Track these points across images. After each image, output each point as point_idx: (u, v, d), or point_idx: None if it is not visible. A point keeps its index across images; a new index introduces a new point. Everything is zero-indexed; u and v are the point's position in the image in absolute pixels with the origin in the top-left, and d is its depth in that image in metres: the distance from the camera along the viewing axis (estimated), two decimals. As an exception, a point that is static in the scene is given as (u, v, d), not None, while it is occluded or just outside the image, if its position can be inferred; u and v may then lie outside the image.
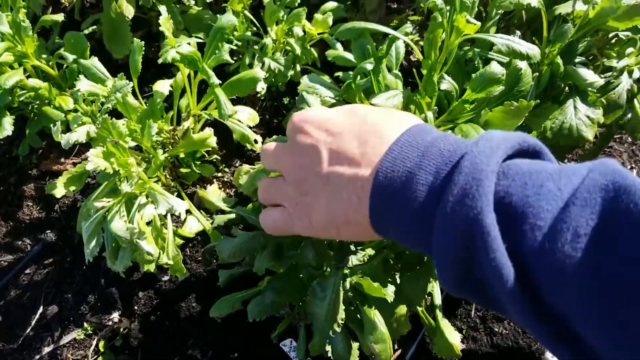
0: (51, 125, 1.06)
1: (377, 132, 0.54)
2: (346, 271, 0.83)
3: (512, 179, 0.43)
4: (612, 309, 0.36)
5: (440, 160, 0.47)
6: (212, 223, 1.06)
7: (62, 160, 1.45)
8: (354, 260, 0.79)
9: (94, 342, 1.19)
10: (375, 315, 0.88)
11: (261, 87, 1.27)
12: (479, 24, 0.96)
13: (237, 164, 1.46)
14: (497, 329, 1.26)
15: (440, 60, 1.07)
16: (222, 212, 1.08)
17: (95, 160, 0.91)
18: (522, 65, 1.04)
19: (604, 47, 1.22)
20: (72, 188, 1.12)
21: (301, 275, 0.88)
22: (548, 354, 1.23)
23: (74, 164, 1.44)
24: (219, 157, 1.42)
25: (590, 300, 0.37)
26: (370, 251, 0.86)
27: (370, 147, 0.53)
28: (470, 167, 0.43)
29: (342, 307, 0.78)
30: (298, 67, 1.41)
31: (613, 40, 1.22)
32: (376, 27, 1.06)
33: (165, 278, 1.27)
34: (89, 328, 1.20)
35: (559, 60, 1.11)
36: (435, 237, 0.45)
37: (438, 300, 1.04)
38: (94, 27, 1.52)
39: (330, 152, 0.56)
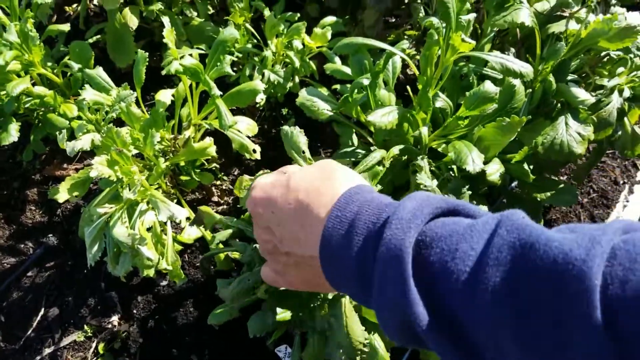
0: (57, 133, 1.09)
1: (310, 213, 0.59)
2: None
3: (430, 246, 0.47)
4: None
5: (366, 233, 0.52)
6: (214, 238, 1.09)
7: (65, 165, 1.48)
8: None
9: (94, 345, 1.22)
10: (376, 339, 0.91)
11: (260, 98, 1.30)
12: (473, 42, 0.99)
13: (235, 172, 1.49)
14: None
15: (436, 76, 1.10)
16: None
17: (99, 168, 0.94)
18: (516, 82, 1.07)
19: (596, 65, 1.26)
20: (76, 194, 1.15)
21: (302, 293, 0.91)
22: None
23: (77, 170, 1.47)
24: (218, 166, 1.45)
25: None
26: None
27: (309, 229, 0.58)
28: (389, 245, 0.48)
29: (361, 328, 0.81)
30: (297, 79, 1.45)
31: (605, 59, 1.25)
32: (374, 42, 1.10)
33: (164, 283, 1.30)
34: (89, 330, 1.23)
35: (551, 78, 1.14)
36: (375, 306, 0.51)
37: None
38: (98, 36, 1.56)
39: (281, 235, 0.63)
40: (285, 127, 0.92)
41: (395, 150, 1.05)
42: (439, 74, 1.10)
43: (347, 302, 0.85)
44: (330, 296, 0.89)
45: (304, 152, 0.90)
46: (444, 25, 1.01)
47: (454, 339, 0.45)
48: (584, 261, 0.38)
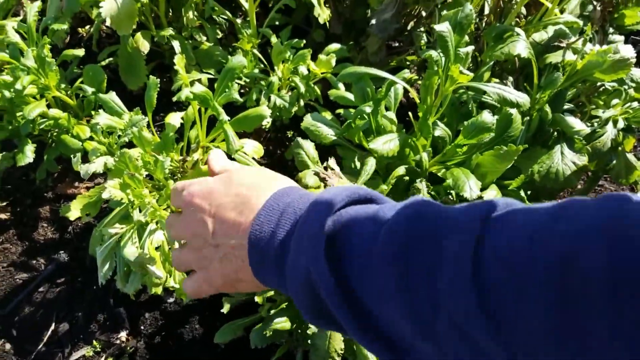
0: (71, 156, 1.14)
1: (249, 202, 0.61)
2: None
3: (342, 223, 0.52)
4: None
5: (294, 219, 0.56)
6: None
7: (76, 184, 1.52)
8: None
9: (102, 360, 1.26)
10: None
11: (266, 121, 1.35)
12: (471, 75, 1.03)
13: (242, 192, 1.54)
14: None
15: (436, 105, 1.14)
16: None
17: (112, 191, 0.99)
18: (513, 111, 1.12)
19: (592, 95, 1.30)
20: (89, 213, 1.19)
21: None
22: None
23: (88, 188, 1.51)
24: (225, 186, 1.49)
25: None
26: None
27: (244, 216, 0.61)
28: (304, 226, 0.53)
29: (340, 338, 0.84)
30: (302, 102, 1.49)
31: (600, 89, 1.29)
32: (376, 72, 1.14)
33: (171, 300, 1.34)
34: (97, 346, 1.27)
35: (547, 108, 1.18)
36: (287, 281, 0.55)
37: None
38: (110, 59, 1.61)
39: (215, 223, 0.63)
40: (298, 139, 0.97)
41: (401, 170, 1.09)
42: (439, 102, 1.14)
43: None
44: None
45: (316, 160, 0.95)
46: (443, 57, 1.06)
47: (355, 311, 0.49)
48: (457, 219, 0.43)
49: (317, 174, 0.88)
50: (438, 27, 1.01)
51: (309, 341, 0.93)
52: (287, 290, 0.56)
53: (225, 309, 1.05)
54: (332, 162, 0.93)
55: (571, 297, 0.35)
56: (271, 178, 0.66)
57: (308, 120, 1.20)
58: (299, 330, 0.98)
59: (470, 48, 1.06)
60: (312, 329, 0.87)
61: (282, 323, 0.94)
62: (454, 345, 0.42)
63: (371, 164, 1.06)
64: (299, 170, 1.03)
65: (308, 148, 1.01)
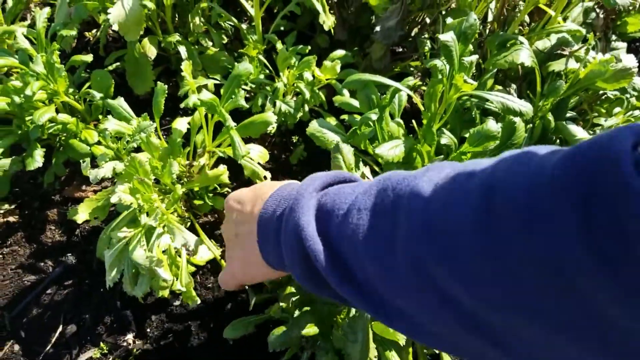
0: (81, 161, 1.15)
1: (262, 196, 0.74)
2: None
3: (327, 195, 0.62)
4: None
5: (289, 198, 0.67)
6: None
7: (84, 187, 1.54)
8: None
9: (109, 362, 1.27)
10: (393, 356, 0.96)
11: (271, 126, 1.37)
12: (475, 83, 1.05)
13: (247, 196, 1.55)
14: None
15: (440, 112, 1.16)
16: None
17: (122, 196, 1.01)
18: (516, 119, 1.13)
19: (594, 103, 1.32)
20: (97, 217, 1.21)
21: (323, 312, 0.96)
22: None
23: (95, 192, 1.53)
24: (229, 190, 1.51)
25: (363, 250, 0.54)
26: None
27: (257, 207, 0.73)
28: (296, 196, 0.63)
29: (373, 346, 0.86)
30: (307, 108, 1.51)
31: (603, 97, 1.31)
32: (380, 79, 1.16)
33: (177, 303, 1.35)
34: (104, 348, 1.28)
35: (550, 116, 1.19)
36: (282, 247, 0.63)
37: None
38: (117, 63, 1.63)
39: (237, 218, 0.78)
40: (339, 142, 1.00)
41: None
42: (443, 109, 1.16)
43: (368, 318, 0.90)
44: (351, 314, 0.94)
45: (352, 167, 0.98)
46: (447, 66, 1.07)
47: (343, 273, 0.57)
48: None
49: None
50: (443, 37, 1.02)
51: (326, 347, 0.95)
52: (284, 264, 0.65)
53: (251, 305, 1.07)
54: (366, 170, 0.95)
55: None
56: (288, 182, 0.77)
57: (314, 127, 1.22)
58: (314, 336, 1.00)
59: (475, 57, 1.07)
60: (343, 339, 0.89)
61: (311, 328, 0.95)
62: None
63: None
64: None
65: (347, 153, 1.03)
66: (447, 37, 1.02)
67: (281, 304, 1.07)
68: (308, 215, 0.60)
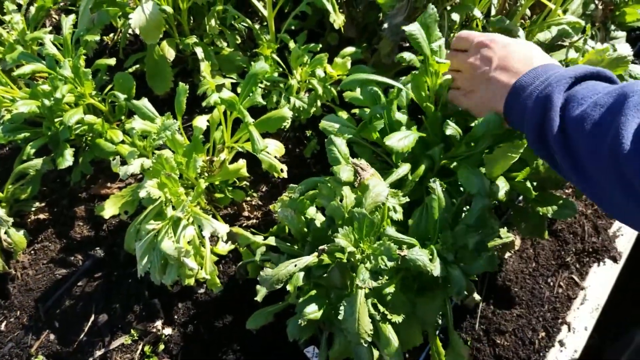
0: (110, 158, 1.23)
1: (526, 61, 0.94)
2: (367, 291, 0.97)
3: (581, 85, 0.82)
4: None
5: (550, 77, 0.85)
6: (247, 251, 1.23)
7: (109, 185, 1.62)
8: (373, 282, 0.93)
9: (140, 347, 1.35)
10: (389, 331, 1.02)
11: (286, 122, 1.44)
12: (448, 62, 1.10)
13: (263, 189, 1.63)
14: (499, 341, 1.39)
15: (431, 98, 1.22)
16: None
17: (152, 190, 1.08)
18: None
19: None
20: (127, 211, 1.29)
21: (331, 296, 1.02)
22: (543, 364, 1.36)
23: (120, 189, 1.61)
24: (248, 183, 1.59)
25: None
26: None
27: (520, 69, 0.93)
28: (558, 77, 0.83)
29: (368, 320, 0.92)
30: (319, 103, 1.58)
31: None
32: (376, 77, 1.22)
33: (201, 291, 1.43)
34: (135, 334, 1.36)
35: None
36: (527, 109, 0.85)
37: (450, 318, 1.16)
38: (137, 65, 1.70)
39: (498, 65, 0.97)
40: (331, 136, 1.07)
41: (422, 169, 1.18)
42: (433, 95, 1.22)
43: (361, 296, 0.96)
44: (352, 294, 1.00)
45: (347, 156, 1.05)
46: (419, 54, 1.14)
47: (567, 149, 0.78)
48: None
49: (355, 165, 0.97)
50: (407, 28, 1.10)
51: (334, 323, 1.01)
52: (521, 122, 0.88)
53: (259, 297, 1.13)
54: (362, 161, 1.01)
55: None
56: (536, 55, 0.96)
57: (326, 122, 1.29)
58: (329, 318, 1.06)
59: (442, 41, 1.14)
60: (341, 314, 0.95)
61: (314, 313, 1.01)
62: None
63: (403, 169, 1.14)
64: (331, 165, 1.11)
65: (340, 145, 1.09)
66: (413, 27, 1.10)
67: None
68: (559, 95, 0.80)
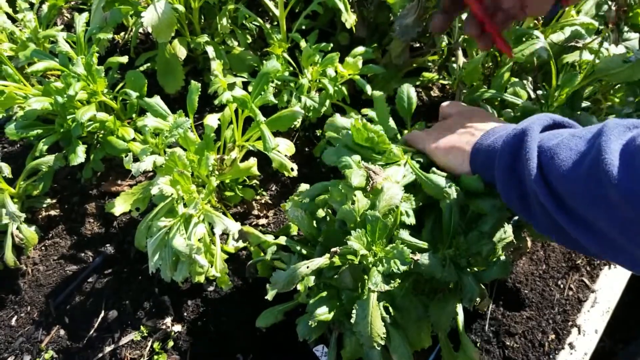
0: (123, 155, 1.23)
1: (484, 128, 0.98)
2: (378, 294, 0.97)
3: (547, 138, 0.79)
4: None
5: (505, 132, 0.88)
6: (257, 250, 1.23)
7: (120, 182, 1.63)
8: (385, 286, 0.92)
9: (149, 344, 1.36)
10: (400, 334, 1.02)
11: (297, 121, 1.44)
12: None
13: (273, 188, 1.63)
14: (508, 343, 1.39)
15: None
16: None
17: (164, 187, 1.08)
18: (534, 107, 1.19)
19: (608, 92, 1.36)
20: (138, 208, 1.29)
21: (342, 297, 1.02)
22: (553, 366, 1.36)
23: (130, 186, 1.62)
24: (257, 182, 1.59)
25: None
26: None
27: (480, 132, 0.97)
28: (524, 129, 0.82)
29: (381, 323, 0.92)
30: (328, 102, 1.58)
31: (616, 87, 1.35)
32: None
33: (211, 288, 1.43)
34: (144, 331, 1.37)
35: (565, 107, 1.25)
36: (497, 157, 0.85)
37: (461, 320, 1.15)
38: (148, 64, 1.71)
39: (472, 125, 1.02)
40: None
41: None
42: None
43: (374, 299, 0.95)
44: (364, 297, 1.00)
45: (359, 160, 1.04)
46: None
47: (549, 189, 0.75)
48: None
49: (367, 169, 0.96)
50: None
51: (352, 328, 1.01)
52: (492, 173, 0.87)
53: (270, 295, 1.13)
54: (375, 166, 1.01)
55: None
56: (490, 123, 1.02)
57: (329, 127, 1.27)
58: (339, 318, 1.06)
59: None
60: (354, 317, 0.95)
61: (325, 314, 1.01)
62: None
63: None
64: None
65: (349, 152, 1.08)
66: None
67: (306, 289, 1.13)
68: (537, 129, 0.81)
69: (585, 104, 1.33)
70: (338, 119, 1.17)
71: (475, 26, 1.02)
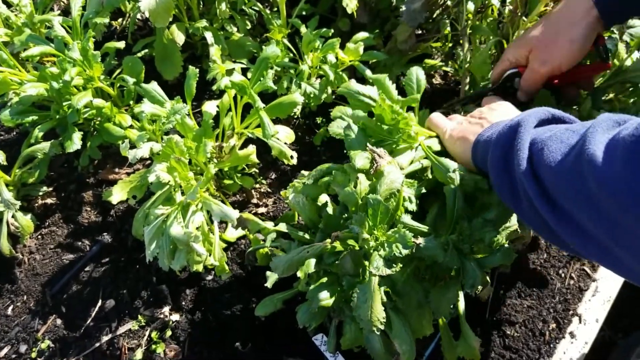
0: (119, 142, 1.21)
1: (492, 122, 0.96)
2: (380, 279, 0.95)
3: (542, 131, 0.77)
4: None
5: (504, 123, 0.86)
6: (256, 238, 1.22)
7: (117, 170, 1.61)
8: (387, 270, 0.91)
9: (147, 333, 1.34)
10: (401, 320, 1.01)
11: (296, 108, 1.42)
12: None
13: (272, 176, 1.61)
14: (509, 332, 1.38)
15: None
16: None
17: (161, 174, 1.07)
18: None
19: (619, 93, 1.34)
20: (135, 196, 1.27)
21: (343, 283, 1.01)
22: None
23: (128, 174, 1.60)
24: (257, 170, 1.57)
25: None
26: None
27: (488, 122, 0.96)
28: (521, 120, 0.81)
29: (381, 308, 0.90)
30: (330, 90, 1.55)
31: (630, 89, 1.33)
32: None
33: (209, 277, 1.42)
34: (142, 320, 1.36)
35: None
36: (495, 155, 0.82)
37: (462, 308, 1.14)
38: (146, 50, 1.68)
39: (489, 117, 1.00)
40: (350, 122, 1.05)
41: None
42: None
43: (375, 283, 0.94)
44: (365, 281, 0.99)
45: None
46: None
47: (537, 182, 0.73)
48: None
49: (372, 151, 0.95)
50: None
51: (352, 312, 0.99)
52: (485, 163, 0.86)
53: (269, 283, 1.11)
54: (380, 148, 0.99)
55: None
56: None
57: (337, 113, 1.26)
58: (339, 305, 1.05)
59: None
60: (354, 301, 0.93)
61: (327, 300, 0.99)
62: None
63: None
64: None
65: (357, 129, 1.06)
66: None
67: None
68: (527, 135, 0.78)
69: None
70: (354, 84, 1.13)
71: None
